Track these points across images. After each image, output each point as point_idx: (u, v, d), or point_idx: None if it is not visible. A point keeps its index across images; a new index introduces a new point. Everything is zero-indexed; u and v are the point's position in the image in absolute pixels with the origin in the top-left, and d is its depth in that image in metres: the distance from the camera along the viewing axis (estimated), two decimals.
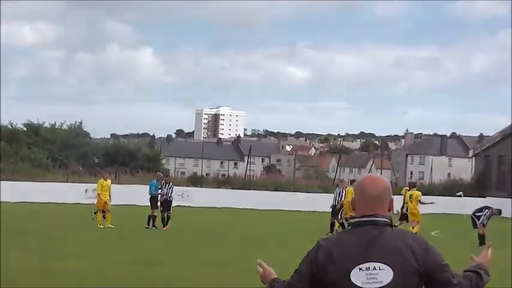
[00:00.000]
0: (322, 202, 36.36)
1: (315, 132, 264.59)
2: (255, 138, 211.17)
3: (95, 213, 26.81)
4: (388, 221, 3.64)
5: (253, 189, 45.45)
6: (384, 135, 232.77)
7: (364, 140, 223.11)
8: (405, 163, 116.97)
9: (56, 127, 73.47)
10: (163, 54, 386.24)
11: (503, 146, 57.85)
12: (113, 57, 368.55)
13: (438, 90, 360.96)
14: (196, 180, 50.30)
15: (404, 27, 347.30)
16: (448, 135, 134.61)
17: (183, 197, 37.75)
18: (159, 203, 26.13)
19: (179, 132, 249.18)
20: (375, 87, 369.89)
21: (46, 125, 72.45)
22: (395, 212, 25.76)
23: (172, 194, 26.48)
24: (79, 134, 76.86)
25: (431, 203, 27.53)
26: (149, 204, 26.28)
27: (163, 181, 26.69)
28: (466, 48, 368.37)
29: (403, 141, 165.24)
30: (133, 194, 35.72)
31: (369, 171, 77.09)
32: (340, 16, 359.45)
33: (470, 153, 70.33)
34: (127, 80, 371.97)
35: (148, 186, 26.94)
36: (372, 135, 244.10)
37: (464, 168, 78.50)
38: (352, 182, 26.48)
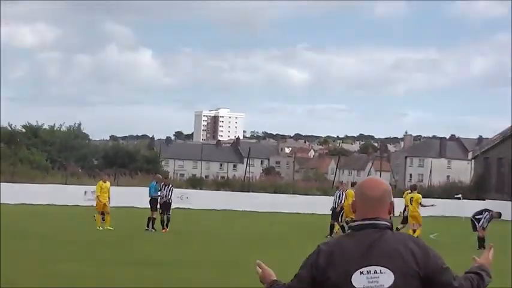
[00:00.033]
0: (322, 204, 36.37)
1: (314, 134, 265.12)
2: (254, 140, 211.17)
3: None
4: (389, 224, 3.64)
5: (253, 191, 45.39)
6: (383, 137, 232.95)
7: (363, 142, 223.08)
8: (404, 165, 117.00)
9: (55, 129, 73.50)
10: (163, 55, 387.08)
11: (502, 148, 57.86)
12: (112, 58, 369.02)
13: (437, 92, 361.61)
14: (195, 182, 50.25)
15: (404, 29, 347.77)
16: (448, 137, 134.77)
17: (182, 199, 37.71)
18: (158, 205, 26.11)
19: (178, 134, 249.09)
20: (374, 89, 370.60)
21: (45, 126, 72.54)
22: (398, 214, 25.77)
23: (172, 196, 26.46)
24: (78, 136, 76.90)
25: (432, 205, 27.54)
26: (148, 206, 26.26)
27: (162, 183, 26.68)
28: (466, 50, 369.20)
29: (402, 143, 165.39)
30: (133, 196, 35.71)
31: (368, 174, 77.17)
32: (339, 18, 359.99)
33: (470, 155, 70.37)
34: (126, 82, 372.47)
35: (148, 189, 26.93)
36: (371, 137, 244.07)
37: (463, 171, 78.43)
38: (353, 184, 26.49)
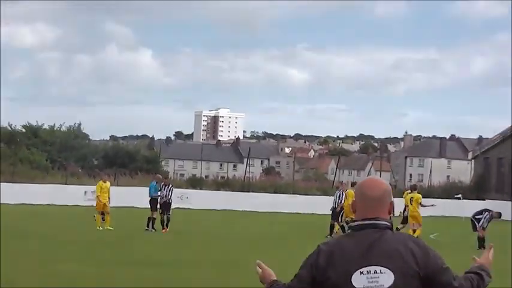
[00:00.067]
0: (322, 204, 36.36)
1: (314, 134, 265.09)
2: (254, 140, 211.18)
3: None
4: (389, 224, 3.64)
5: (253, 191, 45.39)
6: (383, 137, 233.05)
7: (363, 142, 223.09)
8: (404, 165, 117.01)
9: (55, 129, 73.50)
10: (163, 55, 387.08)
11: (502, 148, 57.86)
12: (112, 58, 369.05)
13: (437, 92, 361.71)
14: (195, 182, 50.24)
15: (404, 29, 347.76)
16: (448, 137, 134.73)
17: (182, 199, 37.70)
18: (158, 205, 26.11)
19: (178, 134, 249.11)
20: (374, 89, 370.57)
21: (45, 126, 72.55)
22: (398, 214, 25.76)
23: (172, 196, 26.46)
24: (78, 136, 76.91)
25: (432, 205, 27.53)
26: (148, 206, 26.26)
27: (162, 183, 26.68)
28: (466, 50, 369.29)
29: (402, 143, 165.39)
30: (132, 196, 35.70)
31: (368, 174, 77.17)
32: (339, 18, 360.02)
33: (470, 155, 70.37)
34: (126, 82, 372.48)
35: (148, 188, 26.92)
36: (371, 137, 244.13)
37: (463, 171, 78.43)
38: (353, 184, 26.49)
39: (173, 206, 26.91)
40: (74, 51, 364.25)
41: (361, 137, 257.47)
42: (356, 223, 3.64)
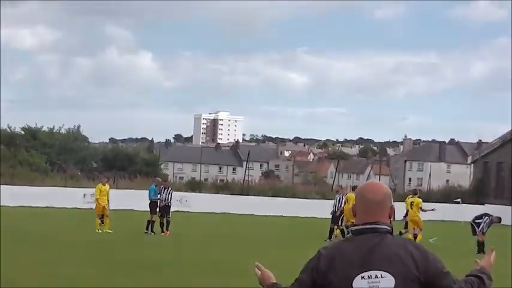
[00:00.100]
0: (321, 208, 36.37)
1: (313, 138, 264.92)
2: (253, 144, 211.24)
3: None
4: (389, 228, 3.64)
5: (252, 194, 45.40)
6: (383, 141, 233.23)
7: (362, 146, 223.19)
8: (404, 169, 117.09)
9: (54, 131, 73.53)
10: (163, 58, 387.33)
11: (502, 153, 57.90)
12: (112, 61, 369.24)
13: (437, 96, 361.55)
14: (194, 186, 50.25)
15: (404, 32, 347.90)
16: (447, 141, 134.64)
17: (181, 202, 37.70)
18: (158, 208, 26.08)
19: (178, 137, 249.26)
20: (374, 92, 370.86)
21: (44, 129, 72.59)
22: (401, 218, 25.74)
23: (171, 199, 26.44)
24: (77, 138, 76.92)
25: (433, 209, 27.49)
26: (148, 209, 26.24)
27: (162, 186, 26.66)
28: (466, 54, 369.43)
29: (401, 147, 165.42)
30: (132, 199, 35.68)
31: (368, 178, 77.15)
32: (339, 22, 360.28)
33: (469, 159, 70.43)
34: (126, 85, 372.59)
35: (148, 192, 26.89)
36: (371, 141, 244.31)
37: (462, 175, 78.54)
38: (353, 188, 26.45)
39: (172, 209, 26.91)
40: (74, 53, 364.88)
41: (360, 140, 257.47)
42: (356, 227, 3.65)
